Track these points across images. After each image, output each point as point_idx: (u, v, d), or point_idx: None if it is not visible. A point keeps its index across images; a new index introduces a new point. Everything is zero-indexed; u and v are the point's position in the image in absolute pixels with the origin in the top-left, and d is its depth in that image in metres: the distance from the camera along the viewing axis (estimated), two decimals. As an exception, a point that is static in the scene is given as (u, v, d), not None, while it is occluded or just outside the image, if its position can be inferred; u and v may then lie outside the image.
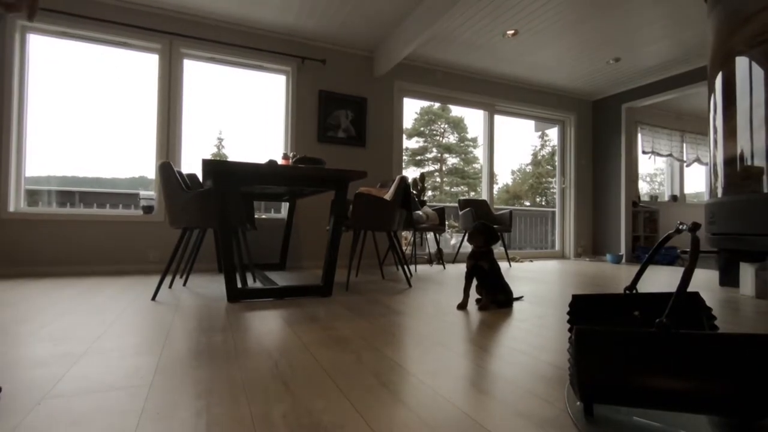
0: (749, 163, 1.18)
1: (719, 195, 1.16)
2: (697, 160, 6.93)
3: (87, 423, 0.92)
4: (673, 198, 6.99)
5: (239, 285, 2.50)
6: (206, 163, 2.26)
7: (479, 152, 21.74)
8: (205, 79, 4.31)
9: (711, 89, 1.46)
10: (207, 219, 2.52)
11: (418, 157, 22.43)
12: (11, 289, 2.71)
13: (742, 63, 1.34)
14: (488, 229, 2.31)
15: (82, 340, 1.57)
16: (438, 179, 22.57)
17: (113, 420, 0.93)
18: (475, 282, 2.34)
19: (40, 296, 2.49)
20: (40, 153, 3.73)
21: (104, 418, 0.94)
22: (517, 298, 2.56)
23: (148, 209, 3.88)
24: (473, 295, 2.39)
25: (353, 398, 1.07)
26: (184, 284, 3.01)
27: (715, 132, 1.38)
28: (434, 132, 22.91)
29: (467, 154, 22.87)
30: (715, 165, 1.36)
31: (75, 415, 0.96)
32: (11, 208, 3.44)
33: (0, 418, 0.93)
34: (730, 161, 1.14)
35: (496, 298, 2.33)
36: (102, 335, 1.65)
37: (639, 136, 6.31)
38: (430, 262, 4.95)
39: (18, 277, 3.28)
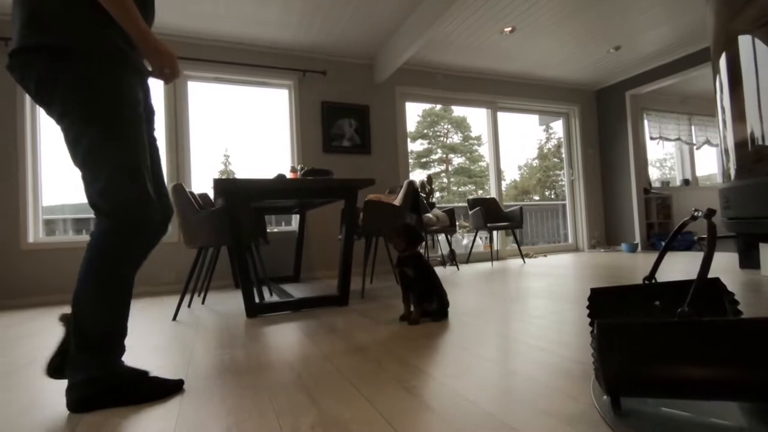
0: (760, 143, 1.17)
1: (732, 178, 1.15)
2: (707, 142, 6.83)
3: (122, 446, 0.94)
4: (685, 182, 6.89)
5: (257, 300, 2.53)
6: (217, 182, 2.30)
7: (484, 150, 21.67)
8: (210, 99, 4.38)
9: (716, 70, 1.45)
10: (221, 237, 2.55)
11: (424, 160, 22.42)
12: (36, 319, 2.77)
13: (745, 43, 1.33)
14: (408, 230, 2.05)
15: (109, 364, 1.60)
16: (445, 180, 22.53)
17: (147, 441, 0.95)
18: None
19: (64, 323, 2.54)
20: (54, 182, 3.82)
21: (138, 439, 0.97)
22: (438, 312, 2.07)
23: (162, 231, 3.94)
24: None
25: (379, 405, 1.08)
26: (203, 302, 3.05)
27: (723, 112, 1.37)
28: (438, 133, 22.90)
29: (472, 152, 22.80)
30: (725, 147, 1.35)
31: (109, 438, 0.98)
32: (31, 239, 3.52)
33: (38, 446, 0.96)
34: (741, 143, 1.14)
35: (427, 309, 2.05)
36: (127, 358, 1.67)
37: (645, 122, 6.24)
38: (443, 263, 4.95)
39: (40, 306, 3.35)
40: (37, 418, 1.12)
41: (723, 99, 1.33)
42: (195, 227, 2.57)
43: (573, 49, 4.86)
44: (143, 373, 1.25)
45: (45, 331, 2.34)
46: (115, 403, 1.15)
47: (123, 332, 1.24)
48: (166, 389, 1.23)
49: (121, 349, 1.24)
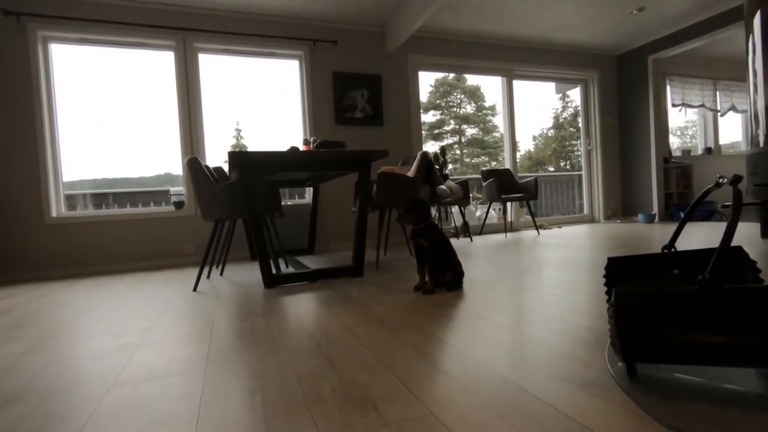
0: (792, 107, 1.12)
1: (761, 144, 1.10)
2: (732, 108, 6.56)
3: (155, 406, 0.99)
4: (708, 150, 6.68)
5: (273, 271, 2.58)
6: (232, 155, 2.31)
7: (498, 120, 21.22)
8: (220, 71, 4.35)
9: (748, 30, 1.37)
10: (237, 209, 2.58)
11: (436, 131, 22.07)
12: (63, 290, 2.88)
13: (781, 0, 1.25)
14: (416, 203, 2.08)
15: (136, 332, 1.68)
16: (457, 151, 22.22)
17: (178, 402, 1.01)
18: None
19: (89, 295, 2.65)
20: (72, 158, 3.88)
21: (169, 401, 1.02)
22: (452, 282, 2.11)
23: (179, 204, 4.01)
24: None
25: (397, 371, 1.11)
26: (221, 274, 3.13)
27: (755, 75, 1.31)
28: (451, 103, 22.43)
29: (486, 123, 22.34)
30: (755, 112, 1.30)
31: (142, 399, 1.04)
32: (54, 214, 3.62)
33: (79, 405, 1.02)
34: (771, 107, 1.08)
35: (441, 279, 2.08)
36: (153, 327, 1.75)
37: (668, 88, 6.00)
38: (456, 235, 4.95)
39: (66, 278, 3.48)
40: (76, 380, 1.18)
41: (755, 61, 1.26)
42: (211, 200, 2.61)
43: (593, 11, 4.65)
44: None
45: (72, 302, 2.44)
46: None
47: None
48: None
49: None
